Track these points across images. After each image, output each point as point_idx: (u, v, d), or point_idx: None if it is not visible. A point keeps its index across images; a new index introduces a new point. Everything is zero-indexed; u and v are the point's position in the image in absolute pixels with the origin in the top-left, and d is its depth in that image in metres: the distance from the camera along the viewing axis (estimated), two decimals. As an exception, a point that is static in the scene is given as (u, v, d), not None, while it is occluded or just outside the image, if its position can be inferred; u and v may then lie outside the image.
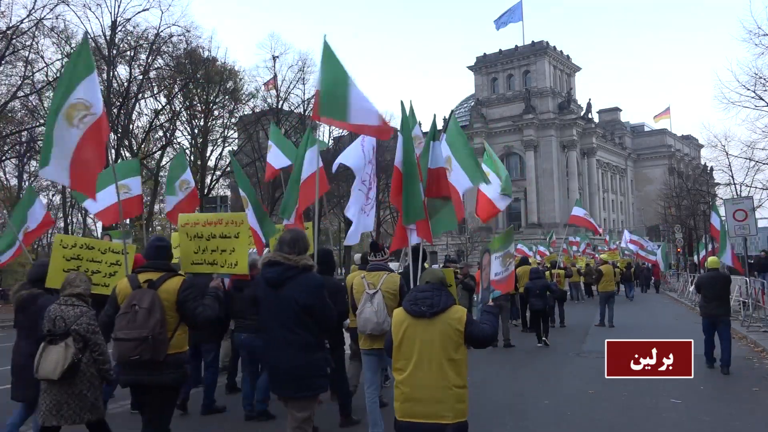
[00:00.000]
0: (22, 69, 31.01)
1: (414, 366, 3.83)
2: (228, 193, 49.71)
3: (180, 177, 10.27)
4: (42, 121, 35.93)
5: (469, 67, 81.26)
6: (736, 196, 26.71)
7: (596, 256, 31.50)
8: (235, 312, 6.95)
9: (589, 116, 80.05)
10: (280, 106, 44.74)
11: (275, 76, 44.59)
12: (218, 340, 7.74)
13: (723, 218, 17.32)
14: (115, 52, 33.79)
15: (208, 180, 40.42)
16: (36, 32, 29.72)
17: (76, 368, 4.62)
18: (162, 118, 38.64)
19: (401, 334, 3.91)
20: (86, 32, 6.87)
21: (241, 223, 5.53)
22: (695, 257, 38.88)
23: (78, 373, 4.65)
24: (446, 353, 3.81)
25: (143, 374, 4.40)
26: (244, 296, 6.41)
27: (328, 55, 5.91)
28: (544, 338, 13.16)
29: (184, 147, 43.17)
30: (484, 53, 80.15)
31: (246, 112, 44.82)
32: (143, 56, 34.93)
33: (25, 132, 34.79)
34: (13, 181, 46.74)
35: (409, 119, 6.44)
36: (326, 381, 4.59)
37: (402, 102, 6.42)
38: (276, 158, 9.87)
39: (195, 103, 39.98)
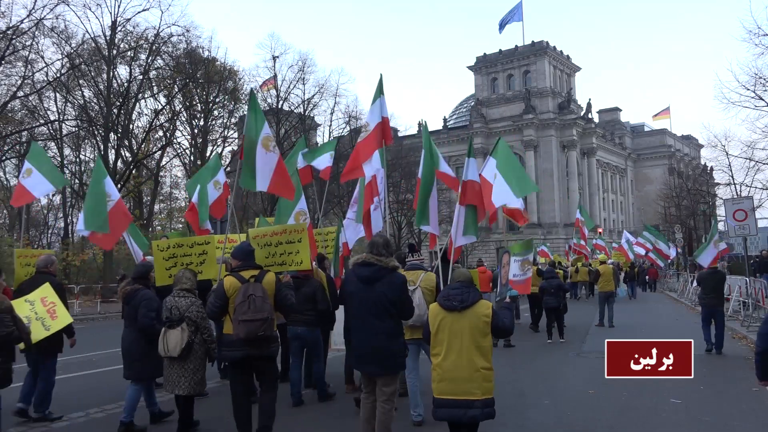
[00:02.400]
0: (22, 69, 31.01)
1: (447, 351, 4.59)
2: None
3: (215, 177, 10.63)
4: (42, 120, 35.97)
5: (469, 67, 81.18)
6: (736, 196, 26.73)
7: (596, 256, 31.71)
8: (294, 307, 7.53)
9: (589, 116, 79.96)
10: (280, 106, 44.73)
11: (275, 75, 44.59)
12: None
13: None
14: (115, 52, 33.76)
15: (208, 180, 40.33)
16: (36, 32, 29.74)
17: (190, 347, 5.97)
18: (162, 118, 38.62)
19: (437, 324, 4.68)
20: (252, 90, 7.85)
21: (302, 231, 6.78)
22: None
23: (192, 351, 5.99)
24: (474, 341, 4.55)
25: (257, 348, 5.53)
26: (300, 293, 7.46)
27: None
28: (559, 336, 13.53)
29: (184, 147, 43.21)
30: (484, 53, 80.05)
31: (246, 112, 44.80)
32: (143, 56, 34.93)
33: (25, 132, 34.76)
34: (13, 181, 46.73)
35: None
36: (405, 361, 5.68)
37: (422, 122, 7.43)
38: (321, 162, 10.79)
39: (195, 103, 39.96)
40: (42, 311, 6.62)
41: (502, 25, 73.89)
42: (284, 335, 8.58)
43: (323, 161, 10.77)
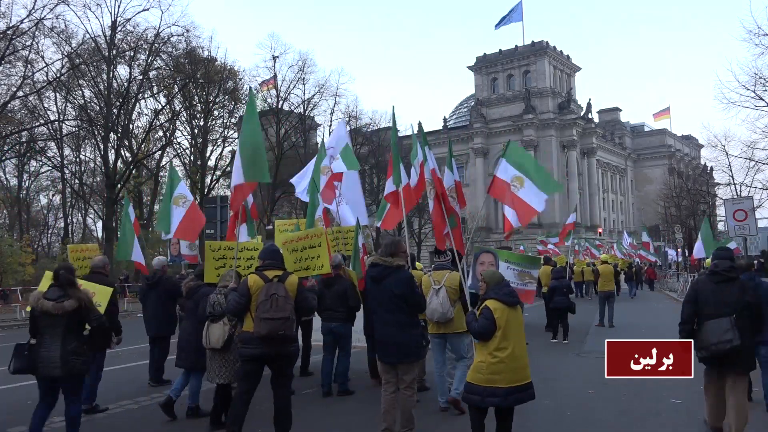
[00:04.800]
0: (22, 69, 30.96)
1: (514, 344, 5.00)
2: (228, 193, 49.62)
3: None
4: (42, 120, 35.96)
5: (469, 67, 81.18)
6: (736, 196, 26.75)
7: (598, 256, 31.96)
8: (327, 305, 8.13)
9: (589, 116, 79.92)
10: (280, 106, 44.73)
11: (275, 75, 44.58)
12: (300, 328, 8.56)
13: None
14: (115, 52, 33.74)
15: (208, 180, 40.40)
16: (36, 32, 29.68)
17: (231, 339, 6.31)
18: (162, 118, 38.60)
19: (505, 320, 5.02)
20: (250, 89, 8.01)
21: (321, 235, 7.11)
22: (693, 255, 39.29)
23: (233, 343, 6.27)
24: (523, 331, 5.17)
25: (280, 347, 5.67)
26: (333, 292, 8.07)
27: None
28: (562, 337, 13.46)
29: (184, 147, 43.17)
30: (484, 53, 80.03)
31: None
32: (143, 56, 34.90)
33: (25, 132, 34.75)
34: (13, 181, 46.75)
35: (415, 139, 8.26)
36: (422, 350, 6.21)
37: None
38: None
39: (195, 103, 39.93)
40: None
41: (499, 25, 73.77)
42: (307, 333, 9.41)
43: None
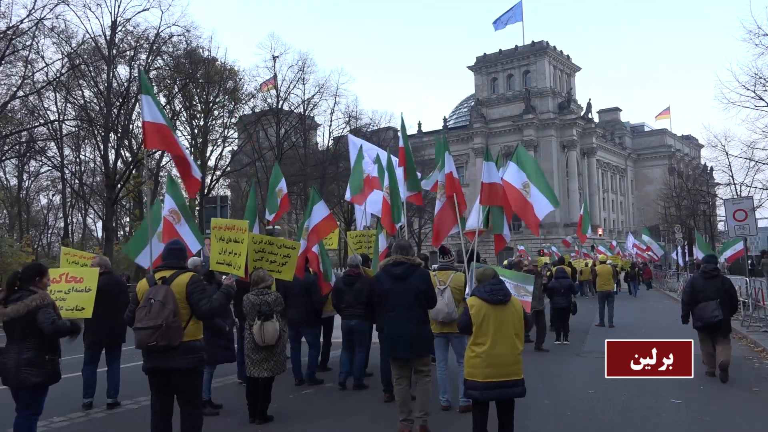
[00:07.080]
0: (22, 69, 30.94)
1: (492, 340, 5.11)
2: (228, 193, 49.62)
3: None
4: (42, 120, 35.94)
5: (469, 67, 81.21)
6: (736, 196, 26.78)
7: (596, 257, 32.13)
8: (348, 302, 8.31)
9: (589, 116, 79.95)
10: (280, 106, 44.71)
11: (275, 76, 44.54)
12: (318, 324, 8.97)
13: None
14: (115, 51, 33.71)
15: (208, 180, 40.37)
16: (36, 32, 29.67)
17: (281, 336, 6.67)
18: (162, 118, 38.51)
19: (482, 317, 5.18)
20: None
21: (245, 231, 6.58)
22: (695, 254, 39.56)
23: (281, 338, 6.66)
24: (515, 329, 5.21)
25: (160, 360, 4.98)
26: (353, 289, 8.24)
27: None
28: (563, 338, 13.37)
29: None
30: (484, 53, 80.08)
31: (246, 112, 44.77)
32: (143, 56, 34.86)
33: (25, 132, 34.72)
34: (13, 181, 46.74)
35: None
36: (433, 345, 6.58)
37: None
38: None
39: (195, 103, 39.88)
40: (67, 286, 6.83)
41: (498, 22, 73.64)
42: (327, 330, 9.74)
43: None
